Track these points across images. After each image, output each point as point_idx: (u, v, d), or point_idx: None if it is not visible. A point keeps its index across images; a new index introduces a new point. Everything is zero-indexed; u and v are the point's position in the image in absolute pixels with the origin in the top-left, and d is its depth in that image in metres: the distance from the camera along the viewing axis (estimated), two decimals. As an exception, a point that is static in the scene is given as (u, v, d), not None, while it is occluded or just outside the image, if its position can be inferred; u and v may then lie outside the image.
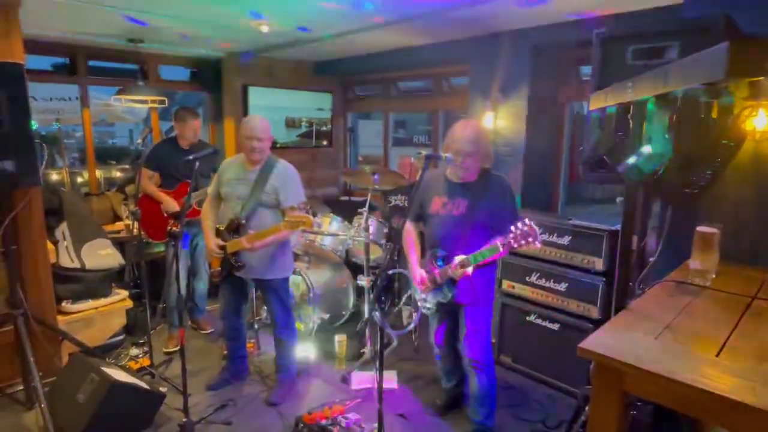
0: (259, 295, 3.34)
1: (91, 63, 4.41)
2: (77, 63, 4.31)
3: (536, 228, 2.12)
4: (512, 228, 2.14)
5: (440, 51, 4.17)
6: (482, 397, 2.55)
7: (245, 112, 4.92)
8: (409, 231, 2.64)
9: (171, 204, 3.53)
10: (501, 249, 2.20)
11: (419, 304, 2.59)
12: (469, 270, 2.32)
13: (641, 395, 1.31)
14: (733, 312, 1.56)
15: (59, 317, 3.16)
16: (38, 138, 2.66)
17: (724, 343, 1.33)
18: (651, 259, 2.18)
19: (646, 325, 1.46)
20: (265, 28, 3.59)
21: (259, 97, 5.00)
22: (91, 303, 3.35)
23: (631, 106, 1.52)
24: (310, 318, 3.65)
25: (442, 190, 2.47)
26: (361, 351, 3.44)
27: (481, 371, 2.50)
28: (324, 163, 5.84)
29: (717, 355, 1.27)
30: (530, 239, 2.12)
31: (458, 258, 2.33)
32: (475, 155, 2.34)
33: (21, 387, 2.85)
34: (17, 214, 2.69)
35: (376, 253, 3.81)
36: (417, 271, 2.50)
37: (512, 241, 2.15)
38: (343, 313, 3.87)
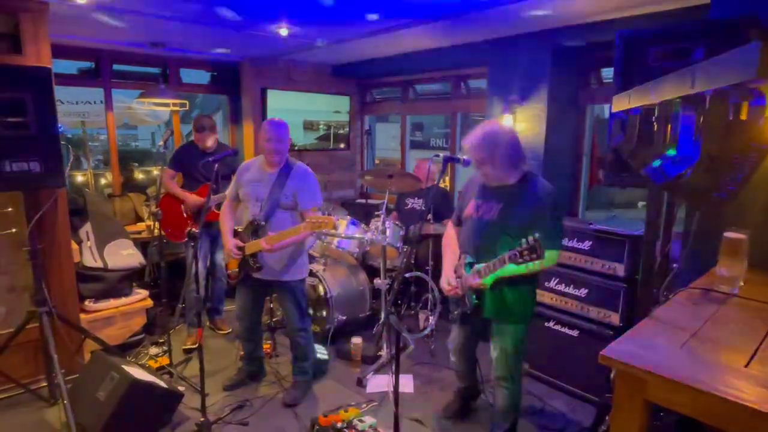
0: (275, 297, 3.36)
1: (115, 67, 4.51)
2: (101, 66, 4.42)
3: (541, 244, 1.92)
4: (522, 240, 1.96)
5: (458, 53, 4.15)
6: (503, 414, 2.43)
7: (264, 115, 4.97)
8: (449, 233, 2.55)
9: (193, 199, 3.57)
10: (507, 261, 2.03)
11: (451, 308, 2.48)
12: (485, 282, 2.17)
13: (665, 405, 1.27)
14: (762, 321, 1.51)
15: (82, 315, 3.23)
16: (64, 140, 2.73)
17: (754, 353, 1.28)
18: (675, 266, 2.12)
19: (670, 333, 1.42)
20: (284, 32, 3.62)
21: (277, 100, 5.05)
22: (112, 302, 3.42)
23: (656, 108, 1.48)
24: (327, 320, 3.65)
25: (477, 193, 2.34)
26: (378, 354, 3.43)
27: (504, 389, 2.38)
28: (341, 166, 5.86)
29: (746, 366, 1.23)
30: (533, 256, 1.93)
31: (475, 267, 2.21)
32: (489, 162, 2.18)
33: (44, 383, 2.93)
34: (43, 214, 2.76)
35: (392, 256, 3.80)
36: (445, 275, 2.40)
37: (518, 254, 1.96)
38: (360, 315, 3.87)
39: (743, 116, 0.97)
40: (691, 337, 1.39)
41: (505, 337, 2.32)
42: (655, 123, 1.44)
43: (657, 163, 1.27)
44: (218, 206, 3.52)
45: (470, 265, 2.28)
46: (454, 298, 2.41)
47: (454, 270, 2.39)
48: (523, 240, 1.95)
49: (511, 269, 2.09)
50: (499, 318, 2.31)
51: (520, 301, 2.28)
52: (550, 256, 2.13)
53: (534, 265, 2.00)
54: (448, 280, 2.37)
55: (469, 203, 2.38)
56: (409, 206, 4.22)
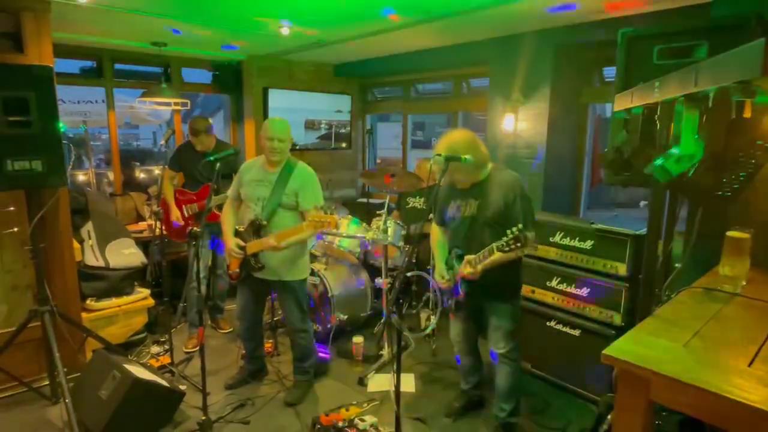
0: (276, 296, 3.36)
1: (117, 66, 4.52)
2: (103, 66, 4.42)
3: (527, 235, 2.14)
4: (507, 231, 2.16)
5: (460, 52, 4.15)
6: (505, 392, 2.57)
7: (265, 114, 4.97)
8: (435, 232, 2.72)
9: (175, 215, 3.58)
10: (495, 251, 2.23)
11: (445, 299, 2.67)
12: (476, 269, 2.32)
13: (668, 405, 1.26)
14: (765, 321, 1.50)
15: (83, 314, 3.24)
16: (66, 140, 2.73)
17: (757, 352, 1.28)
18: (677, 265, 2.12)
19: (673, 332, 1.42)
20: (285, 31, 3.62)
21: (279, 99, 5.05)
22: (114, 301, 3.42)
23: (658, 107, 1.47)
24: (328, 319, 3.65)
25: (455, 194, 2.54)
26: (379, 353, 3.43)
27: (504, 364, 2.54)
28: (343, 165, 5.86)
29: (749, 365, 1.22)
30: (519, 245, 2.14)
31: (466, 258, 2.38)
32: (459, 169, 2.33)
33: (47, 382, 2.93)
34: (45, 213, 2.76)
35: (394, 255, 3.79)
36: (438, 270, 2.59)
37: (505, 244, 2.17)
38: (361, 314, 3.87)
39: (747, 114, 0.96)
40: (694, 336, 1.38)
41: (500, 316, 2.51)
42: (657, 121, 1.43)
43: (659, 161, 1.26)
44: (218, 207, 3.51)
45: (460, 257, 2.45)
46: (449, 289, 2.57)
47: (446, 263, 2.58)
48: (509, 231, 2.14)
49: (498, 257, 2.25)
50: (492, 299, 2.50)
51: (509, 279, 2.50)
52: (529, 238, 2.28)
53: (520, 251, 2.24)
54: (441, 273, 2.55)
55: (449, 206, 2.56)
56: (410, 205, 4.22)
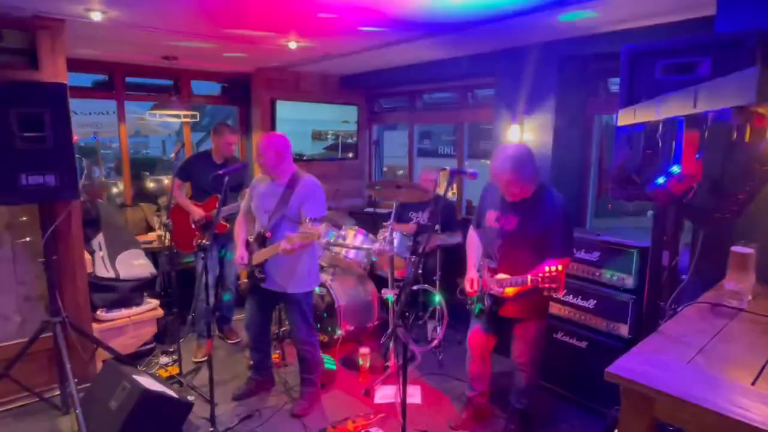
0: (283, 308, 3.39)
1: (128, 79, 4.60)
2: (115, 79, 4.50)
3: (563, 278, 2.18)
4: (545, 267, 2.20)
5: (466, 64, 4.18)
6: (524, 391, 2.68)
7: (273, 126, 5.02)
8: (472, 236, 2.77)
9: (198, 212, 3.63)
10: (529, 284, 2.27)
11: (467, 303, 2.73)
12: (503, 291, 2.40)
13: (672, 422, 1.27)
14: (770, 337, 1.50)
15: (94, 325, 3.28)
16: (77, 151, 2.79)
17: (761, 370, 1.28)
18: (683, 277, 2.11)
19: (677, 349, 1.42)
20: (293, 45, 3.68)
21: (286, 110, 5.11)
22: (124, 312, 3.46)
23: (660, 124, 1.49)
24: (335, 330, 3.67)
25: (497, 205, 2.55)
26: (385, 364, 3.44)
27: (525, 372, 2.63)
28: (349, 175, 5.89)
29: (753, 383, 1.22)
30: (554, 285, 2.18)
31: (499, 277, 2.44)
32: (516, 183, 2.35)
33: (57, 392, 2.97)
34: (57, 226, 2.82)
35: (400, 266, 3.80)
36: (470, 273, 2.64)
37: (540, 280, 2.21)
38: (368, 325, 3.88)
39: (746, 138, 0.98)
40: (697, 353, 1.38)
41: (528, 332, 2.57)
42: (659, 139, 1.45)
43: (661, 180, 1.28)
44: (226, 219, 3.56)
45: (493, 270, 2.51)
46: (474, 296, 2.63)
47: (478, 270, 2.62)
48: (546, 268, 2.19)
49: (519, 281, 2.32)
50: (519, 316, 2.54)
51: (539, 300, 2.51)
52: (562, 264, 2.30)
53: (554, 293, 2.28)
54: (471, 279, 2.61)
55: (487, 213, 2.58)
56: (413, 221, 4.19)
